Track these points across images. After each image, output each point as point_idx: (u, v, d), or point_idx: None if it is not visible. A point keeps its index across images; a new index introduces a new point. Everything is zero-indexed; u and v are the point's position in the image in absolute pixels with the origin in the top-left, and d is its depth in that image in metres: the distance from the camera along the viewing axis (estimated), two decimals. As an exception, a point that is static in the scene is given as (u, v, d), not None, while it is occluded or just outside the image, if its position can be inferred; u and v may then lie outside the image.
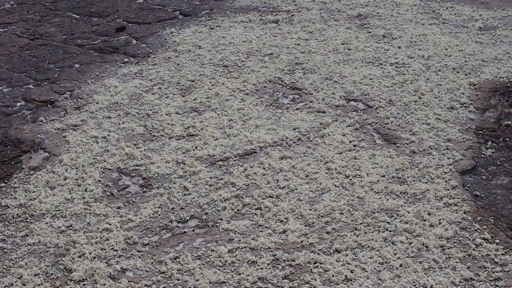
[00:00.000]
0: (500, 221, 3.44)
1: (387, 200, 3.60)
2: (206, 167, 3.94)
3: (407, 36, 5.60)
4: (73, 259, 3.27)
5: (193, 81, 4.93)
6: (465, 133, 4.19)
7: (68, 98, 4.79)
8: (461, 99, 4.57)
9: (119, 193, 3.76)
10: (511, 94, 4.63)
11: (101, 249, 3.32)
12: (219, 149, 4.09)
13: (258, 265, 3.20)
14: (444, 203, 3.56)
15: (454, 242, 3.30)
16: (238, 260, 3.24)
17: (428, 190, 3.67)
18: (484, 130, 4.24)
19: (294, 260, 3.21)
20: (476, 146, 4.07)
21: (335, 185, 3.74)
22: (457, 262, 3.17)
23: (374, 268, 3.16)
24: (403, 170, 3.86)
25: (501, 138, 4.15)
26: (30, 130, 4.38)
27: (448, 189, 3.66)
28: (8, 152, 4.17)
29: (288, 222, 3.47)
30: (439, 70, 4.98)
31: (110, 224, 3.49)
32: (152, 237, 3.40)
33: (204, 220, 3.51)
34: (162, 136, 4.26)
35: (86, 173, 3.90)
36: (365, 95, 4.66)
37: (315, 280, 3.09)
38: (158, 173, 3.89)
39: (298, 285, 3.07)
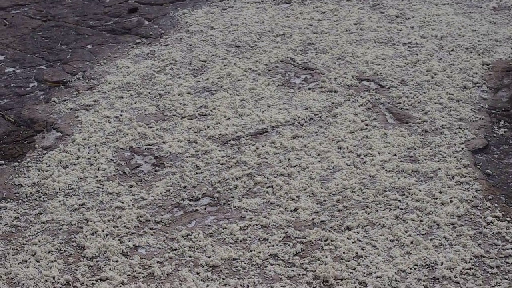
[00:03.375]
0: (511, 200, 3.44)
1: (399, 178, 3.60)
2: (218, 146, 3.95)
3: (420, 16, 5.57)
4: (86, 236, 3.30)
5: (205, 62, 4.93)
6: (478, 113, 4.18)
7: (80, 79, 4.81)
8: (474, 78, 4.55)
9: (132, 172, 3.78)
10: (524, 73, 4.62)
11: (113, 227, 3.35)
12: (231, 128, 4.09)
13: (270, 242, 3.21)
14: (455, 182, 3.56)
15: (465, 220, 3.30)
16: (250, 237, 3.25)
17: (439, 168, 3.67)
18: (497, 110, 4.22)
19: (305, 237, 3.23)
20: (488, 125, 4.06)
21: (346, 163, 3.74)
22: (468, 240, 3.17)
23: (385, 245, 3.16)
24: (415, 149, 3.85)
25: (513, 117, 4.15)
26: (43, 110, 4.41)
27: (460, 168, 3.66)
28: (21, 132, 4.20)
29: (299, 200, 3.48)
30: (452, 50, 4.95)
31: (122, 202, 3.51)
32: (164, 215, 3.42)
33: (216, 198, 3.53)
34: (174, 115, 4.27)
35: (98, 152, 3.92)
36: (378, 75, 4.65)
37: (326, 257, 3.10)
38: (170, 152, 3.91)
39: (309, 262, 3.09)
